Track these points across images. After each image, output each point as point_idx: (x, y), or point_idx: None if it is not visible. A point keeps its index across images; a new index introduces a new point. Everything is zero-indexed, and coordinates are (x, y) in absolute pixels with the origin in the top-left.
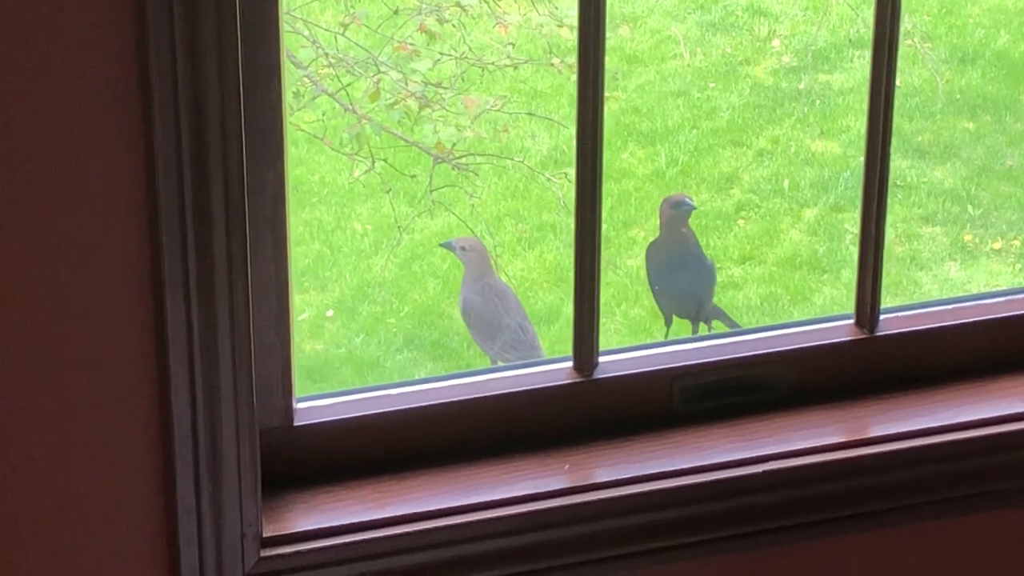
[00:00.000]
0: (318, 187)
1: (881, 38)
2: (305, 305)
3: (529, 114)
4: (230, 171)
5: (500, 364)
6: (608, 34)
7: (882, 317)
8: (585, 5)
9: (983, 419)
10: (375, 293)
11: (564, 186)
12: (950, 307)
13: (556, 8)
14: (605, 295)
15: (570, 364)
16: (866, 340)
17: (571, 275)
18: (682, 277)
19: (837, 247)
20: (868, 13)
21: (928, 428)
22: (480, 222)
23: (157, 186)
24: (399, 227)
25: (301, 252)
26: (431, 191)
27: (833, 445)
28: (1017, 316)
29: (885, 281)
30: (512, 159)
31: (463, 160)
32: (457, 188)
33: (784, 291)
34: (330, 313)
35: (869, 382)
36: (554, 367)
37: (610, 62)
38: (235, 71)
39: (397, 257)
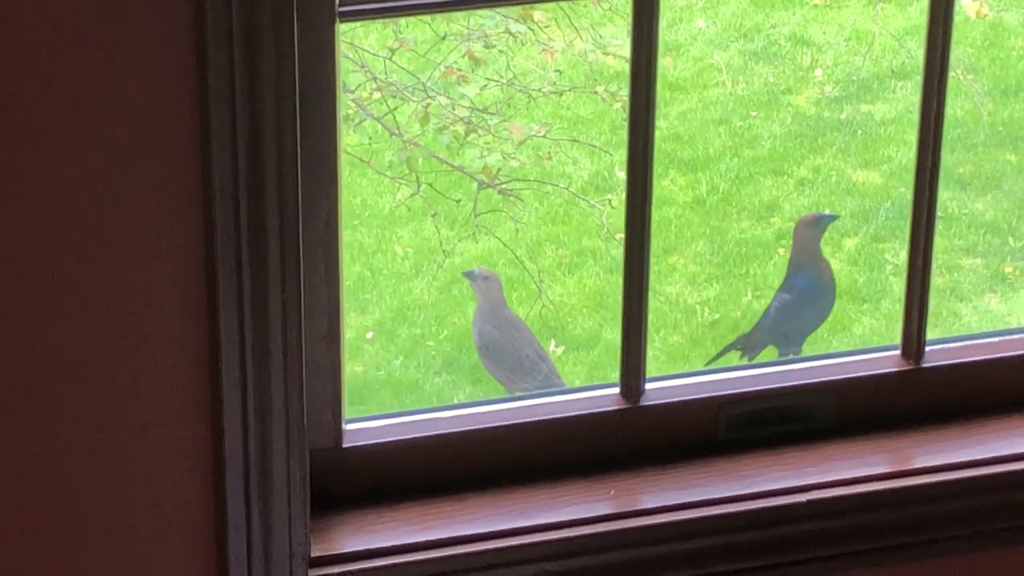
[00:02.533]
0: (359, 210)
1: (932, 70)
2: (345, 327)
3: (573, 140)
4: (285, 195)
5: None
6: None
7: (928, 348)
8: (638, 33)
9: None
10: (415, 316)
11: (606, 212)
12: (996, 339)
13: (600, 36)
14: None
15: (617, 390)
16: (912, 371)
17: (610, 300)
18: (811, 310)
19: (877, 277)
20: (912, 44)
21: (973, 460)
22: (521, 247)
23: (214, 209)
24: (444, 251)
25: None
26: (475, 215)
27: (877, 476)
28: None
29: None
30: (556, 185)
31: (508, 186)
32: (499, 212)
33: (824, 321)
34: (370, 335)
35: (914, 413)
36: (601, 393)
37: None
38: (292, 96)
39: (437, 281)
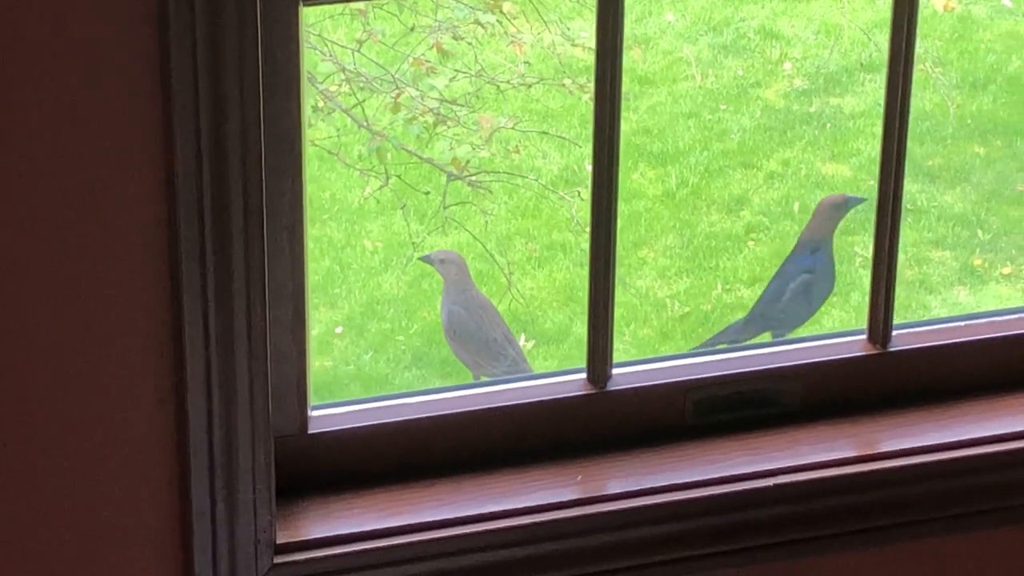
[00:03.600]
0: (329, 204)
1: (896, 62)
2: (314, 322)
3: (542, 133)
4: (249, 178)
5: (484, 379)
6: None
7: (895, 333)
8: (603, 25)
9: (995, 435)
10: (384, 310)
11: (576, 204)
12: (963, 324)
13: (568, 28)
14: (615, 315)
15: (584, 376)
16: (879, 355)
17: (580, 294)
18: (821, 291)
19: (847, 270)
20: (880, 37)
21: (939, 444)
22: (491, 240)
23: (176, 193)
24: (412, 243)
25: (311, 269)
26: (444, 208)
27: (844, 460)
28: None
29: (894, 304)
30: (526, 177)
31: (477, 178)
32: (469, 205)
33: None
34: (339, 330)
35: (881, 397)
36: (568, 379)
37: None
38: (255, 79)
39: (406, 275)
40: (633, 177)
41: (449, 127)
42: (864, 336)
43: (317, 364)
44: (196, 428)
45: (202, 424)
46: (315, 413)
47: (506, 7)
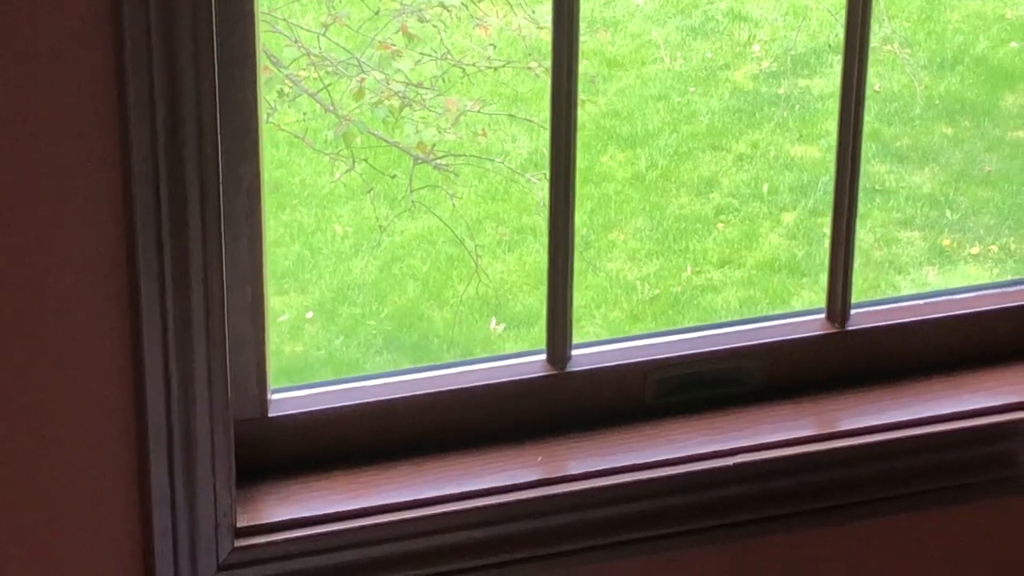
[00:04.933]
0: (299, 189)
1: (852, 42)
2: (285, 307)
3: (510, 116)
4: (205, 163)
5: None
6: (587, 38)
7: (853, 312)
8: (559, 7)
9: (953, 413)
10: (355, 295)
11: (544, 188)
12: (921, 302)
13: (534, 11)
14: (585, 298)
15: (544, 357)
16: (838, 334)
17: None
18: None
19: (816, 251)
20: None
21: (899, 422)
22: (460, 224)
23: (132, 178)
24: (380, 227)
25: (281, 254)
26: (411, 191)
27: (804, 438)
28: (987, 311)
29: (863, 285)
30: (493, 160)
31: (443, 160)
32: (438, 189)
33: (763, 295)
34: (310, 315)
35: (841, 376)
36: (528, 360)
37: (590, 66)
38: (210, 64)
39: (377, 259)
40: (602, 160)
41: (415, 110)
42: (823, 315)
43: (288, 349)
44: (155, 413)
45: (161, 409)
46: (275, 396)
47: None
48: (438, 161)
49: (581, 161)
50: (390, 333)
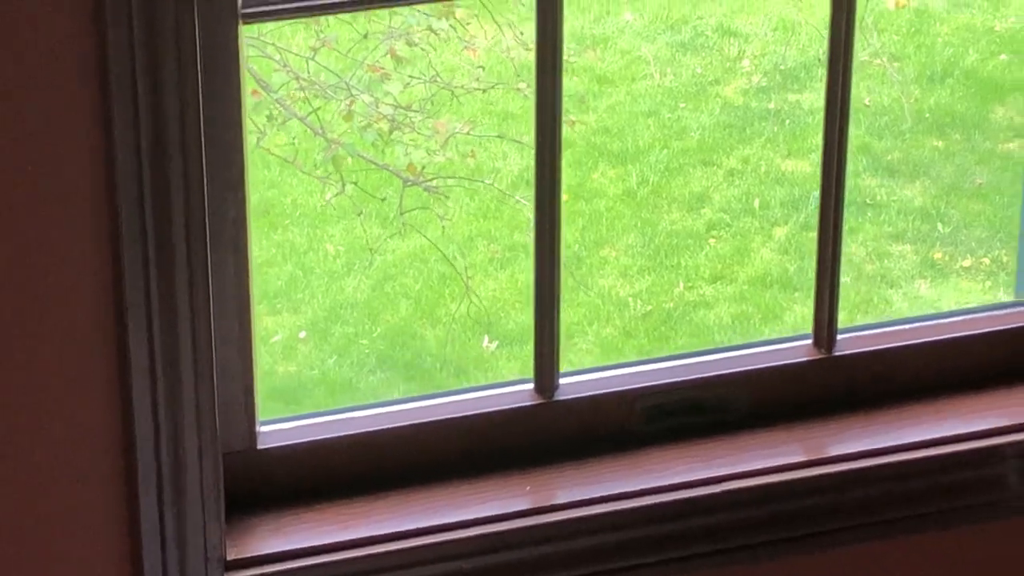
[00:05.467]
0: (290, 209)
1: (836, 56)
2: (278, 327)
3: (499, 136)
4: (191, 193)
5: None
6: (577, 56)
7: (840, 337)
8: (542, 27)
9: (940, 438)
10: (347, 314)
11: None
12: (907, 327)
13: (523, 32)
14: (577, 315)
15: (531, 386)
16: (824, 360)
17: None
18: None
19: (808, 265)
20: None
21: (885, 447)
22: (452, 244)
23: (118, 208)
24: (371, 249)
25: (274, 274)
26: (401, 213)
27: (792, 465)
28: (972, 336)
29: (856, 298)
30: (483, 181)
31: (434, 182)
32: (428, 210)
33: (755, 310)
34: (303, 335)
35: (828, 402)
36: (515, 389)
37: (580, 83)
38: (195, 93)
39: (369, 278)
40: (593, 176)
41: (404, 133)
42: (810, 341)
43: (281, 369)
44: (143, 446)
45: (150, 442)
46: (264, 428)
47: (459, 13)
48: (428, 183)
49: (572, 178)
50: (383, 352)
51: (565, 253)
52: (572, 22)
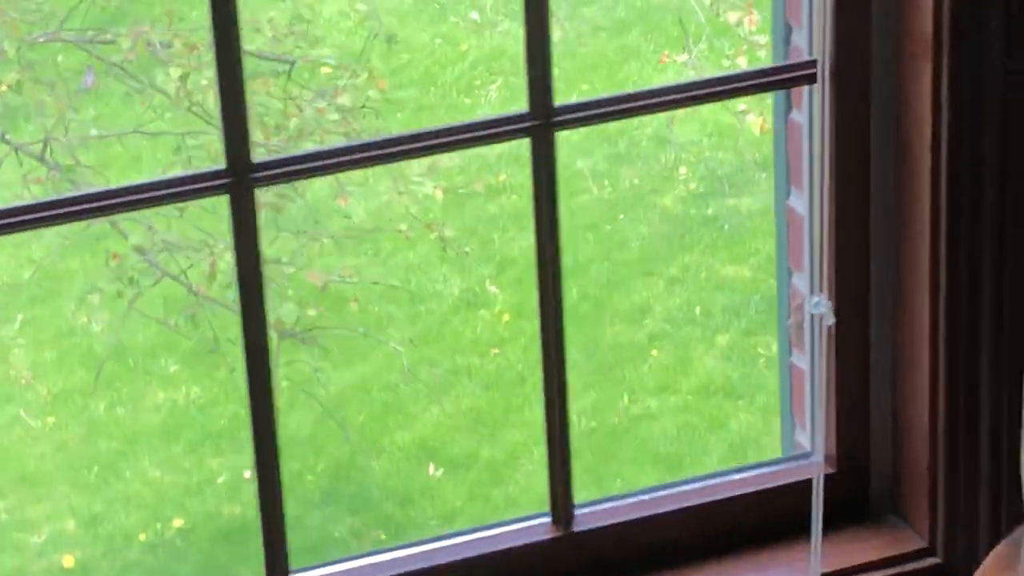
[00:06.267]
0: (231, 348)
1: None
2: (222, 468)
3: (373, 284)
4: None
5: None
6: (512, 178)
7: (577, 512)
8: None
9: None
10: (291, 450)
11: (478, 327)
12: (646, 497)
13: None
14: (522, 434)
15: (548, 519)
16: (563, 537)
17: (487, 418)
18: None
19: (751, 372)
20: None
21: None
22: (394, 372)
23: None
24: (318, 381)
25: (216, 414)
26: (278, 367)
27: None
28: (716, 501)
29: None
30: (356, 330)
31: (312, 333)
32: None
33: (700, 419)
34: (248, 475)
35: None
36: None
37: (519, 202)
38: None
39: (312, 411)
40: (534, 295)
41: (274, 286)
42: (548, 519)
43: (227, 511)
44: None
45: None
46: None
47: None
48: (304, 334)
49: (513, 297)
50: (327, 486)
51: (508, 373)
52: (502, 145)
